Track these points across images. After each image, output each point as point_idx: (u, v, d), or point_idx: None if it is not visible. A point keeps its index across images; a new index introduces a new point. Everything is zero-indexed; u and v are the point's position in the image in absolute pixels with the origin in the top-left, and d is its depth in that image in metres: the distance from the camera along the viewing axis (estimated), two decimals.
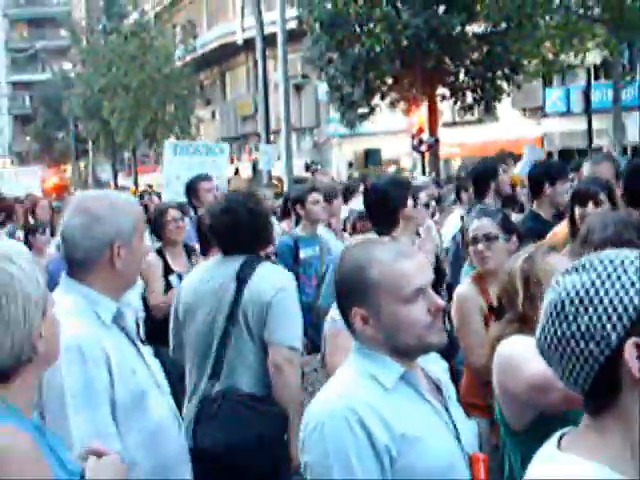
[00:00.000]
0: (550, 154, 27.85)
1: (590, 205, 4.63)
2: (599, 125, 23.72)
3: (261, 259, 4.04)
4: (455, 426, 2.34)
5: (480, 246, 4.14)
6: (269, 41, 22.02)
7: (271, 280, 3.84)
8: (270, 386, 3.81)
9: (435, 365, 2.50)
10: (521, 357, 2.66)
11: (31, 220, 9.38)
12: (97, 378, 2.60)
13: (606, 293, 1.36)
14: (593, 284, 1.37)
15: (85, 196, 2.97)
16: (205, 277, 3.98)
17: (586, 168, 5.49)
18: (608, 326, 1.35)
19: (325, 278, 5.16)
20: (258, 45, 21.97)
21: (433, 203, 6.37)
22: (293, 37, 23.62)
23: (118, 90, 35.93)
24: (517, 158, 11.19)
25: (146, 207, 11.56)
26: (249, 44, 33.92)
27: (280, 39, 20.67)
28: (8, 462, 1.82)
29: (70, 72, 47.89)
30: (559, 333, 1.39)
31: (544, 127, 30.29)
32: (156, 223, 6.16)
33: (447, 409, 2.36)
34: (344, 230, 7.21)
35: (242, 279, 3.81)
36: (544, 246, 3.08)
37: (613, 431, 1.39)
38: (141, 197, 13.89)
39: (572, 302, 1.38)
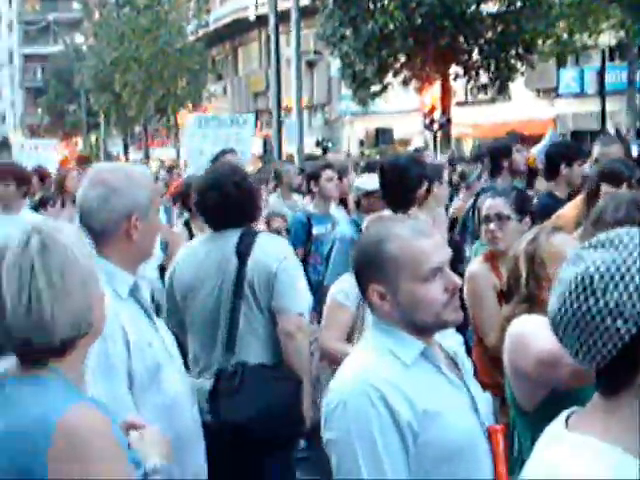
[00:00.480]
0: (562, 136, 27.71)
1: (624, 187, 4.49)
2: (612, 107, 23.57)
3: (257, 231, 4.05)
4: (473, 399, 2.36)
5: (492, 226, 4.12)
6: (282, 17, 21.91)
7: (273, 250, 3.87)
8: (278, 355, 3.85)
9: (451, 339, 2.54)
10: (531, 335, 2.68)
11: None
12: (114, 354, 2.61)
13: (638, 271, 1.35)
14: (625, 261, 1.35)
15: (101, 168, 2.96)
16: (201, 254, 3.96)
17: (596, 150, 5.45)
18: (638, 305, 1.34)
19: (331, 256, 5.16)
20: (271, 21, 21.85)
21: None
22: (306, 13, 23.50)
23: (130, 63, 35.87)
24: (527, 139, 11.14)
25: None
26: (262, 20, 33.75)
27: (293, 15, 20.56)
28: (90, 445, 1.81)
29: (82, 45, 47.79)
30: (584, 308, 1.37)
31: (557, 108, 30.11)
32: (186, 195, 6.16)
33: (464, 383, 2.39)
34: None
35: (243, 252, 3.82)
36: (548, 227, 3.08)
37: (627, 412, 1.38)
38: (169, 170, 13.82)
39: (602, 277, 1.36)
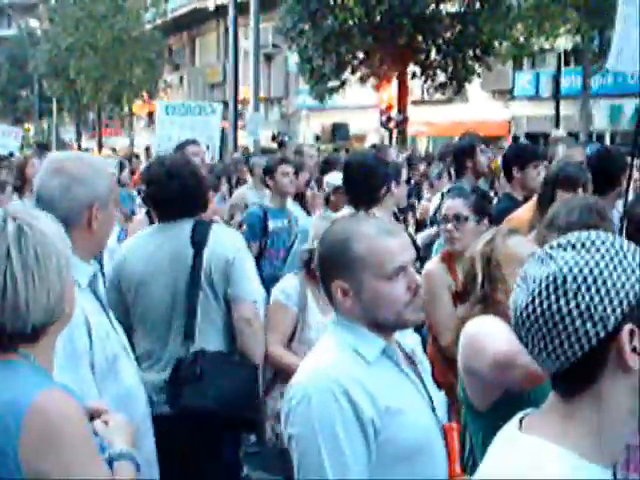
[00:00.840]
0: (516, 138, 28.01)
1: (580, 192, 4.50)
2: (566, 111, 23.91)
3: (210, 222, 4.05)
4: (430, 398, 2.40)
5: (449, 226, 4.15)
6: (241, 8, 21.80)
7: (229, 241, 3.91)
8: (233, 343, 3.88)
9: (409, 338, 2.54)
10: (486, 337, 2.69)
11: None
12: (79, 341, 2.59)
13: (610, 275, 1.34)
14: (597, 264, 1.35)
15: (60, 157, 2.91)
16: (151, 247, 3.91)
17: (560, 151, 5.48)
18: (609, 308, 1.34)
19: (292, 248, 5.17)
20: (230, 12, 21.73)
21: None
22: (265, 6, 23.43)
23: (85, 49, 35.40)
24: (483, 140, 11.24)
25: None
26: (220, 10, 33.58)
27: (253, 7, 20.48)
28: (61, 431, 1.84)
29: (37, 29, 47.07)
30: (554, 308, 1.36)
31: (512, 110, 30.44)
32: None
33: (422, 381, 2.41)
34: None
35: (199, 243, 3.81)
36: (505, 229, 3.10)
37: (586, 415, 1.38)
38: (130, 159, 13.66)
39: (575, 279, 1.35)
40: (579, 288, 1.35)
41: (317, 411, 2.19)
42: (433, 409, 2.38)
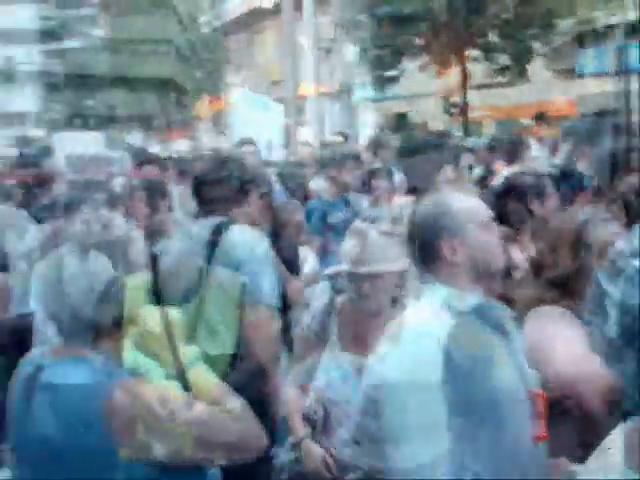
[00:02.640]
0: (584, 116, 27.39)
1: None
2: (635, 86, 23.26)
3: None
4: (521, 364, 2.41)
5: None
6: (297, 4, 21.81)
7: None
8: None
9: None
10: (552, 343, 2.61)
11: None
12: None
13: None
14: None
15: None
16: None
17: None
18: None
19: None
20: (286, 8, 21.77)
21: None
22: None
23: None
24: (550, 120, 11.01)
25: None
26: (278, 8, 33.62)
27: (308, 1, 20.47)
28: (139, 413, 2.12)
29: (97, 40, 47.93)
30: None
31: (577, 89, 29.77)
32: None
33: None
34: None
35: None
36: (602, 213, 2.93)
37: None
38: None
39: None
40: None
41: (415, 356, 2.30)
42: (523, 374, 2.39)
